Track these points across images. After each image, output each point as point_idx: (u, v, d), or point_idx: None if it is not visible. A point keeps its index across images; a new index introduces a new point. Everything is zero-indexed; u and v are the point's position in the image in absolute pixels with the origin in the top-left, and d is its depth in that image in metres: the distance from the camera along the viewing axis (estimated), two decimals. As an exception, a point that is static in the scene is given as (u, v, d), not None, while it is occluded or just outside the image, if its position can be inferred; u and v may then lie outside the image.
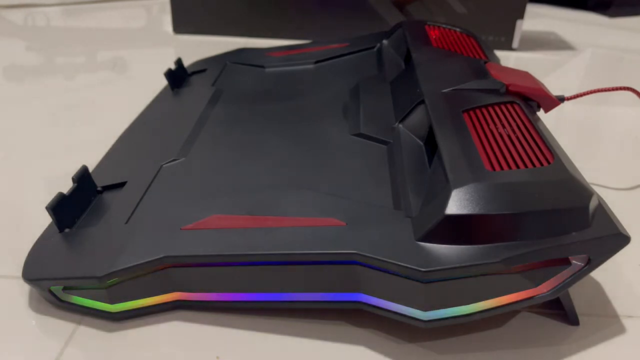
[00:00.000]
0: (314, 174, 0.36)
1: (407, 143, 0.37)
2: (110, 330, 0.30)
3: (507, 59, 0.78)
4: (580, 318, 0.31)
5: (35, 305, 0.31)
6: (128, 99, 0.60)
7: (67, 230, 0.33)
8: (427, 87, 0.39)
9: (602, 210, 0.28)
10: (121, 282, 0.29)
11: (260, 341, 0.29)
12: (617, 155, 0.51)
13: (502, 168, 0.29)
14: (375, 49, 0.55)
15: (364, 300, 0.30)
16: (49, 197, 0.33)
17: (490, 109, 0.36)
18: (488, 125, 0.34)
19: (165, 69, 0.53)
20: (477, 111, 0.36)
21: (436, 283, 0.27)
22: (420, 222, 0.29)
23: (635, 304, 0.32)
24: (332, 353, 0.29)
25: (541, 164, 0.30)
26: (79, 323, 0.30)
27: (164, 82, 0.55)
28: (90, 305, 0.30)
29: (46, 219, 0.33)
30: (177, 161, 0.39)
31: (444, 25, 0.53)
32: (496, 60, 0.48)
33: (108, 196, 0.36)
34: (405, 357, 0.29)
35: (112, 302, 0.30)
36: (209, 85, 0.52)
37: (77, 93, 0.62)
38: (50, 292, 0.30)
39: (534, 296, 0.28)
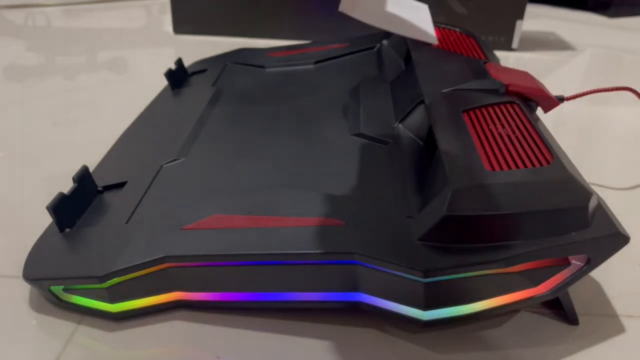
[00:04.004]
0: (313, 173, 0.36)
1: (407, 143, 0.37)
2: (110, 330, 0.30)
3: (507, 59, 0.78)
4: (580, 318, 0.31)
5: (35, 305, 0.31)
6: (128, 99, 0.60)
7: (67, 230, 0.33)
8: (426, 87, 0.40)
9: (602, 210, 0.28)
10: (121, 282, 0.29)
11: (260, 341, 0.29)
12: (616, 155, 0.51)
13: (501, 168, 0.29)
14: (375, 49, 0.55)
15: (364, 300, 0.30)
16: (49, 197, 0.33)
17: (490, 109, 0.36)
18: (488, 125, 0.34)
19: (165, 69, 0.53)
20: (477, 111, 0.36)
21: (436, 283, 0.27)
22: (420, 222, 0.29)
23: (635, 304, 0.32)
24: (332, 353, 0.29)
25: (541, 164, 0.30)
26: (79, 323, 0.30)
27: (164, 82, 0.55)
28: (90, 305, 0.30)
29: (46, 219, 0.33)
30: (177, 161, 0.39)
31: (443, 26, 0.54)
32: (496, 60, 0.48)
33: (108, 196, 0.36)
34: (405, 357, 0.29)
35: (112, 301, 0.30)
36: (209, 86, 0.52)
37: (77, 93, 0.62)
38: (51, 291, 0.30)
39: (534, 296, 0.29)
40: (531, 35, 0.88)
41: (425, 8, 0.34)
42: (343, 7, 0.29)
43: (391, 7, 0.32)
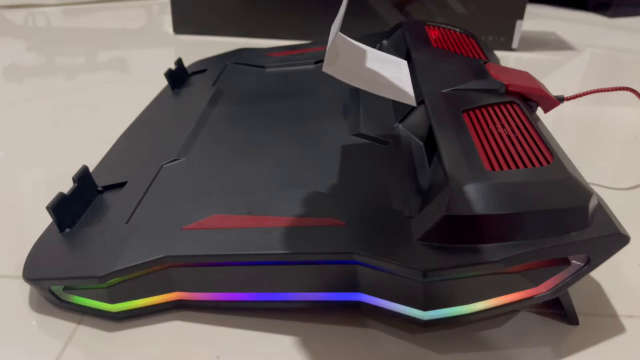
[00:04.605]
0: (313, 173, 0.36)
1: (407, 143, 0.37)
2: (110, 330, 0.30)
3: (507, 59, 0.78)
4: (580, 318, 0.31)
5: (35, 305, 0.31)
6: (128, 99, 0.60)
7: (67, 230, 0.33)
8: (426, 87, 0.40)
9: (602, 210, 0.28)
10: (121, 282, 0.29)
11: (260, 341, 0.29)
12: (617, 155, 0.51)
13: (501, 168, 0.29)
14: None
15: (364, 300, 0.30)
16: (49, 197, 0.33)
17: (490, 109, 0.36)
18: (488, 125, 0.34)
19: (165, 69, 0.53)
20: (477, 111, 0.36)
21: (436, 283, 0.27)
22: (420, 222, 0.29)
23: (635, 304, 0.32)
24: (332, 353, 0.29)
25: (541, 164, 0.30)
26: (79, 323, 0.30)
27: (164, 82, 0.55)
28: (90, 305, 0.30)
29: (46, 219, 0.33)
30: (177, 161, 0.39)
31: (443, 26, 0.54)
32: (496, 60, 0.48)
33: (108, 196, 0.36)
34: (405, 357, 0.29)
35: (112, 302, 0.30)
36: (209, 86, 0.52)
37: (77, 93, 0.62)
38: (51, 291, 0.30)
39: (534, 296, 0.29)
40: (531, 35, 0.88)
41: (404, 64, 0.33)
42: (325, 66, 0.28)
43: (371, 64, 0.31)
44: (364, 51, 0.32)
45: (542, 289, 0.28)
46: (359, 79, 0.30)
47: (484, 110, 0.36)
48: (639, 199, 0.44)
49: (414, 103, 0.30)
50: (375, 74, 0.31)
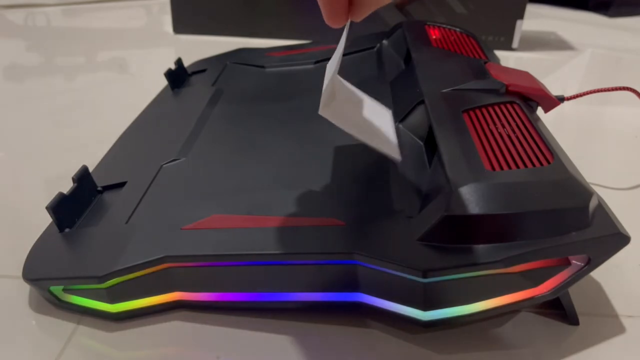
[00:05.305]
0: (313, 173, 0.36)
1: (407, 143, 0.37)
2: (110, 331, 0.30)
3: (507, 59, 0.78)
4: (580, 318, 0.31)
5: (35, 305, 0.31)
6: (128, 99, 0.60)
7: (67, 230, 0.33)
8: (426, 87, 0.39)
9: (602, 210, 0.28)
10: (121, 282, 0.29)
11: (260, 341, 0.29)
12: (617, 155, 0.51)
13: (501, 168, 0.29)
14: (375, 49, 0.55)
15: (364, 300, 0.30)
16: (49, 197, 0.33)
17: (490, 109, 0.36)
18: (488, 125, 0.34)
19: (165, 69, 0.53)
20: (477, 111, 0.36)
21: (436, 283, 0.27)
22: (420, 222, 0.29)
23: (635, 304, 0.32)
24: (332, 353, 0.29)
25: (541, 164, 0.30)
26: (79, 323, 0.30)
27: (164, 82, 0.55)
28: (90, 305, 0.30)
29: (46, 219, 0.33)
30: (177, 161, 0.39)
31: (443, 26, 0.53)
32: (496, 60, 0.48)
33: (108, 196, 0.36)
34: (405, 357, 0.29)
35: (112, 302, 0.30)
36: (209, 85, 0.52)
37: (77, 93, 0.62)
38: (50, 292, 0.30)
39: (534, 296, 0.29)
40: (531, 35, 0.88)
41: (389, 114, 0.33)
42: (321, 109, 0.28)
43: (363, 111, 0.31)
44: (358, 97, 0.32)
45: (542, 289, 0.28)
46: (351, 125, 0.30)
47: (484, 110, 0.36)
48: (639, 199, 0.44)
49: (399, 157, 0.31)
50: (366, 122, 0.31)
